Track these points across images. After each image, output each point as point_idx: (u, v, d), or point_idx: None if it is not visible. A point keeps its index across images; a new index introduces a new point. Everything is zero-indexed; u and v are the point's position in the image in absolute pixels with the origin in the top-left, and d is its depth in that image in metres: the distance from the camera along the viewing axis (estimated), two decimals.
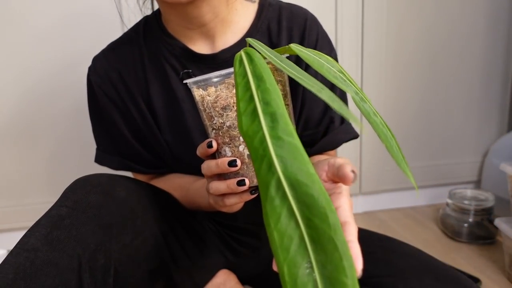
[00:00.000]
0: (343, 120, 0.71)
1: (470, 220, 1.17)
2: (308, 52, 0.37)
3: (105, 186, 0.55)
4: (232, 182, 0.44)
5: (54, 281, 0.43)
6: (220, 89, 0.44)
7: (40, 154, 1.21)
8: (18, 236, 0.48)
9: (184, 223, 0.69)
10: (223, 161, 0.44)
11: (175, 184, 0.72)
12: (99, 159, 0.74)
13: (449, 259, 1.08)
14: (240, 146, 0.44)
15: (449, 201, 1.22)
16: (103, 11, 1.14)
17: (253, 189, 0.45)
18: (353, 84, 0.36)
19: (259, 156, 0.28)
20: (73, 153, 1.22)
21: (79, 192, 0.53)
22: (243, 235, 0.75)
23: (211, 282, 0.72)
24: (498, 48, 1.39)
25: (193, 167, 0.67)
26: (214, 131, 0.46)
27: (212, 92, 0.44)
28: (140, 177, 0.75)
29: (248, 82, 0.32)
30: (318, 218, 0.25)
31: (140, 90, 0.67)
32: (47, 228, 0.47)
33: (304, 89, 0.68)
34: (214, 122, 0.45)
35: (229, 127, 0.44)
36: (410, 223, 1.32)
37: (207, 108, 0.46)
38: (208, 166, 0.45)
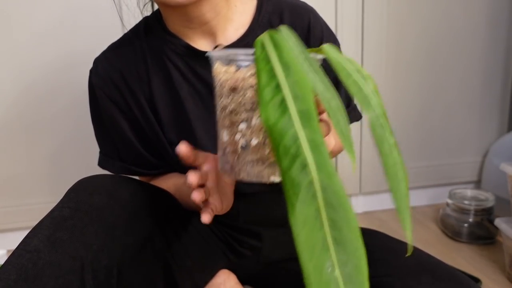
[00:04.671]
0: (349, 104, 0.74)
1: (470, 220, 1.17)
2: (338, 58, 0.35)
3: (108, 187, 0.55)
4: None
5: (56, 283, 0.43)
6: (239, 70, 0.41)
7: (41, 154, 1.21)
8: (18, 236, 0.48)
9: (185, 223, 0.69)
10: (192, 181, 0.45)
11: (170, 183, 0.72)
12: (102, 163, 0.74)
13: (449, 259, 1.08)
14: (237, 135, 0.42)
15: (449, 201, 1.23)
16: (103, 11, 1.14)
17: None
18: (379, 105, 0.34)
19: (291, 155, 0.27)
20: (74, 153, 1.22)
21: (81, 193, 0.53)
22: (243, 235, 0.75)
23: (211, 282, 0.72)
24: (498, 48, 1.39)
25: (195, 168, 0.67)
26: (219, 111, 0.44)
27: (230, 71, 0.42)
28: (141, 178, 0.76)
29: (272, 69, 0.30)
30: (343, 220, 0.26)
31: (142, 90, 0.67)
32: (49, 229, 0.47)
33: None
34: (221, 101, 0.43)
35: (232, 111, 0.42)
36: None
37: (218, 85, 0.43)
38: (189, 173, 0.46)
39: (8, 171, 1.21)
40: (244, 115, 0.41)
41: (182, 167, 0.70)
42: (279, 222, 0.75)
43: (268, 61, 0.30)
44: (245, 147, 0.42)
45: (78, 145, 1.21)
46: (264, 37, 0.33)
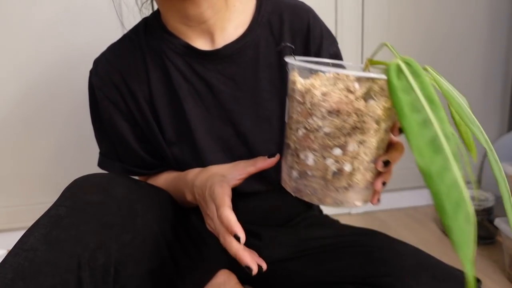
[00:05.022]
0: None
1: None
2: (448, 86, 0.32)
3: (105, 185, 0.55)
4: (231, 228, 0.45)
5: (53, 281, 0.43)
6: (329, 86, 0.38)
7: (41, 154, 1.21)
8: (18, 236, 0.48)
9: (184, 223, 0.69)
10: (230, 228, 0.45)
11: (162, 180, 0.72)
12: (101, 164, 0.74)
13: (449, 259, 1.08)
14: (328, 160, 0.39)
15: None
16: (102, 10, 1.13)
17: None
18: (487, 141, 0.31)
19: (454, 200, 0.25)
20: (74, 153, 1.22)
21: (77, 192, 0.53)
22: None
23: (211, 282, 0.72)
24: (498, 48, 1.39)
25: (192, 168, 0.67)
26: (304, 130, 0.39)
27: (317, 85, 0.38)
28: (139, 177, 0.76)
29: (416, 101, 0.28)
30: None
31: (142, 90, 0.67)
32: (46, 228, 0.47)
33: None
34: (310, 121, 0.39)
35: (327, 134, 0.38)
36: (410, 223, 1.32)
37: (308, 103, 0.38)
38: (220, 216, 0.46)
39: (8, 171, 1.21)
40: (341, 140, 0.38)
41: (181, 167, 0.70)
42: (279, 221, 0.75)
43: (408, 91, 0.28)
44: (337, 174, 0.39)
45: (78, 146, 1.21)
46: (400, 64, 0.30)
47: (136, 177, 0.75)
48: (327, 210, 0.84)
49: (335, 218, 0.82)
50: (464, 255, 0.25)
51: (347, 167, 0.39)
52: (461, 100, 0.33)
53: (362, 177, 0.40)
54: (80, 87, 1.15)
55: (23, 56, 1.14)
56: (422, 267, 0.57)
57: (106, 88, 0.68)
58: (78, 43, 1.15)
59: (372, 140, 0.39)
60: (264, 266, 0.46)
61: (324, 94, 0.37)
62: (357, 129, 0.37)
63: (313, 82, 0.38)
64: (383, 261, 0.59)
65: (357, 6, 1.27)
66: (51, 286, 0.42)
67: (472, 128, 0.30)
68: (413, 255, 0.60)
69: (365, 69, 0.42)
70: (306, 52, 0.69)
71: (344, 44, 1.27)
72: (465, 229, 0.25)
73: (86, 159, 1.21)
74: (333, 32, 0.74)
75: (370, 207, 1.44)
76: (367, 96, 0.37)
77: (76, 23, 1.14)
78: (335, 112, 0.37)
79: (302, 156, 0.40)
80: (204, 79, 0.66)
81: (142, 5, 0.76)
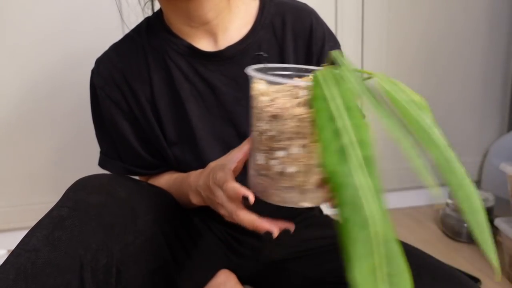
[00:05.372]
0: None
1: None
2: (392, 90, 0.33)
3: (106, 186, 0.55)
4: (239, 194, 0.44)
5: (55, 282, 0.43)
6: (279, 93, 0.40)
7: (42, 154, 1.21)
8: (18, 236, 0.48)
9: (184, 223, 0.69)
10: (239, 194, 0.44)
11: (163, 181, 0.72)
12: (102, 163, 0.74)
13: (449, 259, 1.08)
14: (273, 161, 0.41)
15: (449, 201, 1.23)
16: (103, 9, 1.13)
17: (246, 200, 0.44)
18: (441, 138, 0.31)
19: (352, 204, 0.26)
20: (75, 153, 1.22)
21: (80, 193, 0.53)
22: (243, 234, 0.75)
23: (211, 282, 0.72)
24: (498, 48, 1.39)
25: (193, 168, 0.67)
26: (256, 132, 0.43)
27: (270, 93, 0.41)
28: (140, 177, 0.76)
29: (329, 109, 0.28)
30: (399, 275, 0.25)
31: (143, 90, 0.67)
32: (48, 229, 0.47)
33: None
34: (259, 125, 0.42)
35: (271, 137, 0.41)
36: (410, 223, 1.32)
37: (257, 108, 0.42)
38: (236, 189, 0.45)
39: (9, 171, 1.21)
40: (284, 143, 0.40)
41: (182, 167, 0.71)
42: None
43: (326, 100, 0.29)
44: (281, 174, 0.41)
45: (79, 145, 1.21)
46: (326, 74, 0.30)
47: (137, 177, 0.75)
48: (327, 210, 0.84)
49: (336, 218, 0.82)
50: (350, 264, 0.25)
51: (291, 169, 0.41)
52: (415, 107, 0.32)
53: (306, 179, 0.41)
54: (80, 87, 1.15)
55: (24, 55, 1.14)
56: (422, 267, 0.57)
57: (108, 88, 0.68)
58: (79, 42, 1.15)
59: (315, 145, 0.40)
60: (290, 226, 0.45)
61: (272, 100, 0.40)
62: (299, 133, 0.39)
63: (266, 89, 0.41)
64: None
65: (357, 6, 1.27)
66: (53, 287, 0.43)
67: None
68: (413, 255, 0.60)
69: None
70: (308, 54, 0.69)
71: (344, 44, 1.27)
72: (359, 233, 0.25)
73: (86, 159, 1.21)
74: (333, 31, 0.74)
75: None
76: (310, 103, 0.38)
77: (77, 22, 1.14)
78: (277, 117, 0.40)
79: (256, 156, 0.43)
80: (206, 80, 0.66)
81: (144, 4, 0.76)
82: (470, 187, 0.30)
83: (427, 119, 0.31)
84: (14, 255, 0.45)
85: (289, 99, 0.39)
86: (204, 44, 0.67)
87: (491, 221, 1.13)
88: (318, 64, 0.69)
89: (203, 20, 0.63)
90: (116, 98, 0.68)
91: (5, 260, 0.45)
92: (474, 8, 1.35)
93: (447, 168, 0.30)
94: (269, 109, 0.40)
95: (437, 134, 0.31)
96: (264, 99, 0.41)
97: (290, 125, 0.39)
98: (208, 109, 0.67)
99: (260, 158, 0.43)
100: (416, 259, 0.59)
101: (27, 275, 0.43)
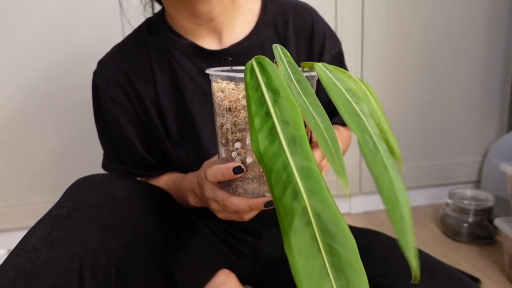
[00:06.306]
0: None
1: (470, 220, 1.17)
2: (331, 76, 0.35)
3: (106, 186, 0.55)
4: (228, 168, 0.43)
5: (55, 282, 0.43)
6: (233, 88, 0.43)
7: (42, 154, 1.21)
8: (18, 236, 0.48)
9: (184, 222, 0.69)
10: (228, 168, 0.43)
11: (162, 181, 0.72)
12: (105, 166, 0.74)
13: (449, 259, 1.08)
14: (233, 153, 0.43)
15: (449, 201, 1.23)
16: (103, 8, 1.13)
17: (269, 203, 0.44)
18: (373, 126, 0.32)
19: (282, 182, 0.27)
20: (75, 153, 1.22)
21: (79, 192, 0.53)
22: (243, 233, 0.75)
23: (211, 282, 0.72)
24: (498, 48, 1.39)
25: (197, 169, 0.67)
26: (217, 127, 0.45)
27: (227, 89, 0.43)
28: (140, 177, 0.76)
29: (262, 96, 0.30)
30: (341, 245, 0.26)
31: (147, 91, 0.67)
32: (47, 229, 0.47)
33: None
34: (218, 120, 0.45)
35: (227, 130, 0.43)
36: None
37: (215, 104, 0.45)
38: (214, 173, 0.45)
39: (9, 171, 1.21)
40: (238, 135, 0.43)
41: (186, 168, 0.71)
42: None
43: (258, 88, 0.30)
44: (243, 165, 0.43)
45: (79, 146, 1.21)
46: (253, 63, 0.32)
47: (137, 178, 0.75)
48: None
49: None
50: (286, 238, 0.26)
51: (248, 160, 0.43)
52: (356, 94, 0.34)
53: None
54: (81, 87, 1.15)
55: (24, 56, 1.14)
56: (423, 267, 0.57)
57: (111, 89, 0.67)
58: (79, 43, 1.15)
59: None
60: None
61: (226, 95, 0.42)
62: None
63: (223, 86, 0.43)
64: (383, 261, 0.59)
65: (357, 6, 1.27)
66: (53, 287, 0.43)
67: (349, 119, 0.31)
68: None
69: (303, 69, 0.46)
70: (309, 52, 0.70)
71: (344, 44, 1.27)
72: (291, 205, 0.26)
73: (86, 159, 1.21)
74: (334, 31, 0.74)
75: (370, 207, 1.44)
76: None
77: (78, 22, 1.14)
78: (230, 110, 0.42)
79: (220, 150, 0.45)
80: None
81: (146, 4, 0.76)
82: (396, 177, 0.30)
83: (361, 106, 0.33)
84: (13, 254, 0.45)
85: (239, 91, 0.42)
86: (209, 43, 0.67)
87: (491, 221, 1.13)
88: (319, 62, 0.70)
89: (209, 17, 0.64)
90: (119, 99, 0.68)
91: (4, 260, 0.45)
92: (474, 8, 1.35)
93: (371, 154, 0.31)
94: (223, 102, 0.42)
95: (365, 121, 0.32)
96: (220, 94, 0.43)
97: (242, 115, 0.42)
98: (213, 109, 0.67)
99: (222, 152, 0.45)
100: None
101: (26, 275, 0.43)
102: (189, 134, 0.68)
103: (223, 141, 0.44)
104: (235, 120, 0.42)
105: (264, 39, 0.68)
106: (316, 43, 0.69)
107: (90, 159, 1.16)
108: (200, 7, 0.62)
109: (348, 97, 0.33)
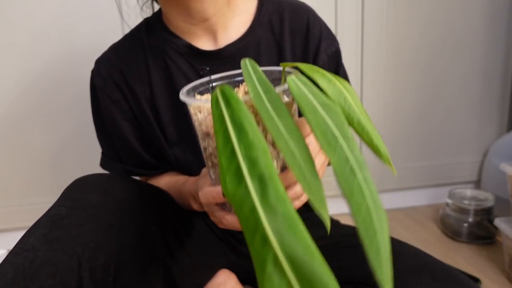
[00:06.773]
0: None
1: (470, 220, 1.17)
2: (304, 90, 0.32)
3: (105, 185, 0.55)
4: (218, 192, 0.43)
5: (53, 281, 0.43)
6: (209, 113, 0.40)
7: (41, 153, 1.21)
8: (18, 236, 0.48)
9: (184, 222, 0.69)
10: (218, 193, 0.43)
11: (163, 182, 0.72)
12: (103, 164, 0.74)
13: (449, 259, 1.08)
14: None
15: (449, 201, 1.22)
16: (102, 7, 1.13)
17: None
18: (349, 148, 0.29)
19: (251, 227, 0.24)
20: (75, 153, 1.22)
21: (78, 192, 0.53)
22: (243, 233, 0.75)
23: (211, 282, 0.72)
24: (498, 48, 1.39)
25: (194, 169, 0.67)
26: (202, 149, 0.44)
27: (205, 111, 0.40)
28: (139, 177, 0.76)
29: (227, 131, 0.27)
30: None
31: (143, 90, 0.68)
32: (46, 228, 0.47)
33: None
34: (200, 142, 0.43)
35: (211, 154, 0.42)
36: (410, 223, 1.32)
37: (195, 126, 0.43)
38: (206, 196, 0.45)
39: (8, 170, 1.21)
40: None
41: (183, 167, 0.71)
42: None
43: (223, 122, 0.28)
44: None
45: (78, 145, 1.21)
46: (218, 94, 0.29)
47: (137, 178, 0.75)
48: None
49: (336, 218, 0.82)
50: (261, 286, 0.23)
51: None
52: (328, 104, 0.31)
53: None
54: (80, 86, 1.15)
55: (22, 54, 1.14)
56: (422, 267, 0.57)
57: (108, 88, 0.68)
58: (78, 41, 1.15)
59: None
60: None
61: (204, 119, 0.39)
62: None
63: (203, 106, 0.40)
64: None
65: (357, 6, 1.27)
66: (51, 286, 0.42)
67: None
68: (413, 255, 0.60)
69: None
70: (305, 51, 0.69)
71: (344, 44, 1.27)
72: (261, 252, 0.23)
73: (86, 158, 1.21)
74: (333, 31, 0.74)
75: None
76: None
77: (77, 20, 1.14)
78: (208, 135, 0.39)
79: (209, 171, 0.44)
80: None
81: (143, 4, 0.76)
82: (373, 204, 0.28)
83: (338, 121, 0.30)
84: (12, 254, 0.45)
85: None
86: (204, 43, 0.67)
87: (491, 221, 1.13)
88: (314, 62, 0.69)
89: (203, 16, 0.63)
90: (116, 98, 0.68)
91: (3, 259, 0.45)
92: (474, 8, 1.34)
93: (346, 178, 0.28)
94: (201, 127, 0.40)
95: (349, 143, 0.29)
96: (198, 117, 0.40)
97: None
98: None
99: (211, 173, 0.44)
100: (416, 259, 0.59)
101: (25, 274, 0.43)
102: (185, 134, 0.68)
103: (210, 164, 0.43)
104: (215, 145, 0.40)
105: (259, 39, 0.68)
106: (311, 42, 0.69)
107: (90, 159, 1.16)
108: (193, 6, 0.62)
109: (324, 114, 0.30)
